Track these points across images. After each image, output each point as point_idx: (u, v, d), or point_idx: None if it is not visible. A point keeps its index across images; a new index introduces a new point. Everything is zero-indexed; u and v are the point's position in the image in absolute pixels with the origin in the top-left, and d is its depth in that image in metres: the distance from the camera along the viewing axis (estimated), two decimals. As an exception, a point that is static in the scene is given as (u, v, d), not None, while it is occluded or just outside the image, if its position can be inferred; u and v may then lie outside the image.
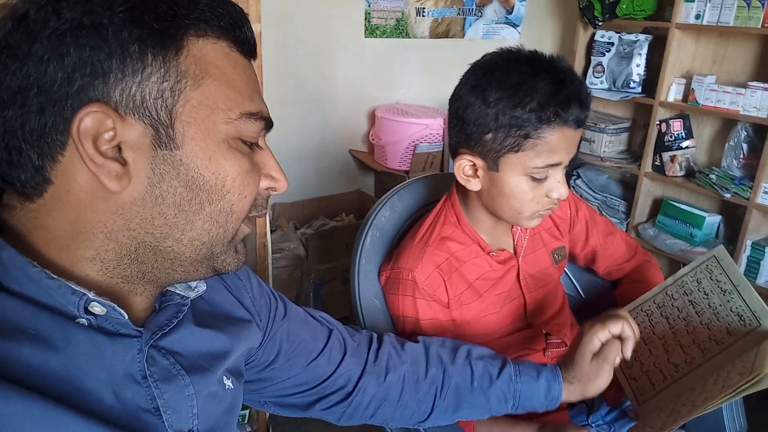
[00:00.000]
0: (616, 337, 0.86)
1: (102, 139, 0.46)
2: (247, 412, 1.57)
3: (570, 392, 0.87)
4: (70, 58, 0.45)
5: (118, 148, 0.47)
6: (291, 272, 2.26)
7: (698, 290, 0.97)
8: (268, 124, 0.56)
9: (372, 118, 2.68)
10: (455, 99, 0.93)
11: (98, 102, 0.46)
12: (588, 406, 1.12)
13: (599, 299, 1.27)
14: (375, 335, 0.90)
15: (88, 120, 0.45)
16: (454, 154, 0.96)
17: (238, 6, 0.53)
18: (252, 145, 0.55)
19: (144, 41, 0.46)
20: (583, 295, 1.30)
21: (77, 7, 0.45)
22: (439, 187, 1.18)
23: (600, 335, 0.85)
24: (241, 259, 0.59)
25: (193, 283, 0.61)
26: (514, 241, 1.06)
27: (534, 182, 0.90)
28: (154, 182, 0.49)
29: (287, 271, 2.25)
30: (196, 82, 0.49)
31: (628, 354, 0.86)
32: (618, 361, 0.85)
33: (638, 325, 1.03)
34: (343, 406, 0.83)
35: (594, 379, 0.85)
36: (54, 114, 0.45)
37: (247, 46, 0.54)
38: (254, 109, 0.53)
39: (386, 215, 1.12)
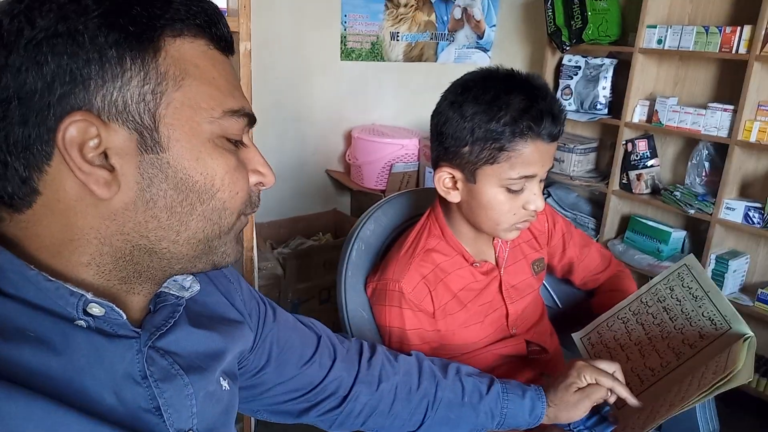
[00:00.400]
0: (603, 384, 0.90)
1: (87, 147, 0.46)
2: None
3: (546, 415, 0.92)
4: (48, 66, 0.44)
5: (105, 155, 0.47)
6: (269, 292, 2.26)
7: (671, 297, 1.01)
8: (251, 121, 0.56)
9: (348, 138, 2.71)
10: (435, 114, 0.97)
11: (80, 110, 0.45)
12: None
13: (576, 309, 1.32)
14: (366, 344, 0.91)
15: (73, 129, 0.45)
16: (435, 166, 1.00)
17: (212, 2, 0.53)
18: (237, 143, 0.55)
19: (121, 45, 0.45)
20: (560, 305, 1.34)
21: (50, 15, 0.44)
22: (420, 202, 1.21)
23: (587, 377, 0.90)
24: (240, 250, 0.59)
25: (187, 284, 0.61)
26: (495, 252, 1.10)
27: (510, 194, 0.94)
28: (143, 187, 0.49)
29: (265, 290, 2.24)
30: (176, 83, 0.48)
31: (629, 398, 0.90)
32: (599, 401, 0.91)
33: (615, 332, 1.07)
34: (336, 413, 0.84)
35: (572, 409, 0.90)
36: (37, 124, 0.45)
37: (224, 42, 0.54)
38: (236, 106, 0.53)
39: (371, 228, 1.14)
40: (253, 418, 1.54)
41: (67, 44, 0.44)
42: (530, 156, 0.91)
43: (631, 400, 0.90)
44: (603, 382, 0.90)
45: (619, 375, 0.92)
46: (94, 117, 0.46)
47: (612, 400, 0.91)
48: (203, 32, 0.51)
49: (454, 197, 0.98)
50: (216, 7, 0.53)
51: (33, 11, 0.44)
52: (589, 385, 0.90)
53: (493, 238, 1.08)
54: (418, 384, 0.89)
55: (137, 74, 0.47)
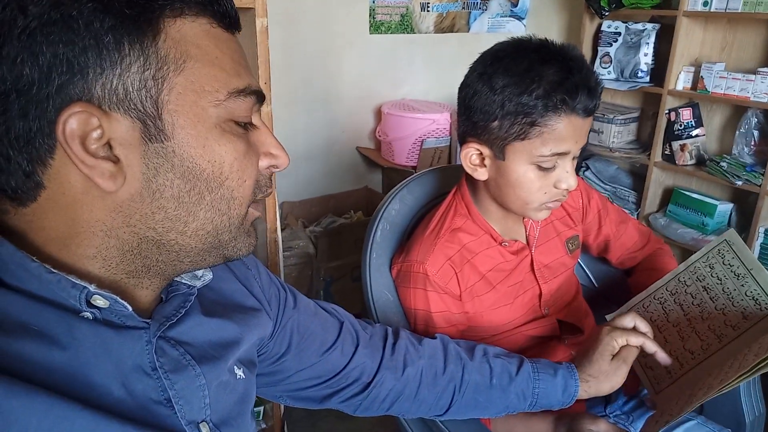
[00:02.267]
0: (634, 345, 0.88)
1: (90, 139, 0.44)
2: (261, 408, 1.57)
3: (585, 390, 0.87)
4: (44, 56, 0.42)
5: (108, 146, 0.46)
6: (301, 270, 2.26)
7: (711, 275, 0.96)
8: (260, 98, 0.53)
9: (378, 114, 2.67)
10: (463, 87, 0.93)
11: (80, 101, 0.44)
12: (605, 397, 1.11)
13: (613, 288, 1.27)
14: (390, 329, 0.89)
15: (73, 121, 0.43)
16: (462, 142, 0.96)
17: None
18: (246, 125, 0.53)
19: (118, 30, 0.43)
20: (596, 285, 1.29)
21: (43, 2, 0.42)
22: (447, 180, 1.17)
23: (619, 340, 0.86)
24: (252, 243, 0.58)
25: (199, 272, 0.60)
26: (526, 231, 1.05)
27: (541, 171, 0.89)
28: (149, 177, 0.47)
29: (297, 269, 2.25)
30: (178, 66, 0.46)
31: (659, 352, 0.88)
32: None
33: (652, 313, 1.02)
34: (360, 398, 0.83)
35: (611, 377, 0.86)
36: (37, 117, 0.43)
37: (228, 19, 0.51)
38: (242, 84, 0.50)
39: (396, 208, 1.11)
40: (281, 416, 1.55)
41: (62, 32, 0.42)
42: (563, 131, 0.86)
43: (661, 355, 0.87)
44: (632, 341, 0.87)
45: (642, 326, 0.89)
46: (95, 107, 0.44)
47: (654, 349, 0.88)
48: (205, 10, 0.49)
49: (481, 174, 0.94)
50: None
51: None
52: (621, 348, 0.87)
53: (524, 217, 1.04)
54: (444, 368, 0.87)
55: (136, 60, 0.45)
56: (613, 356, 0.87)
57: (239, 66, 0.51)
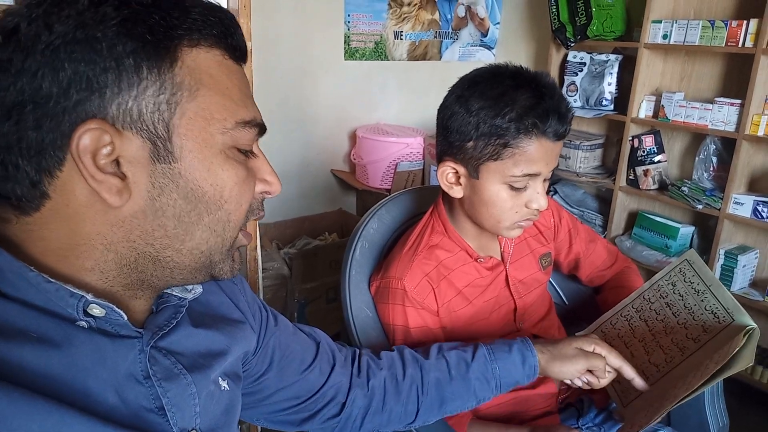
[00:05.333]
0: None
1: (100, 155, 0.46)
2: (239, 428, 1.55)
3: (543, 362, 0.89)
4: (65, 72, 0.44)
5: (117, 163, 0.47)
6: (275, 292, 2.26)
7: (673, 292, 1.01)
8: (262, 131, 0.56)
9: (353, 137, 2.71)
10: (442, 108, 0.97)
11: (95, 118, 0.45)
12: (578, 409, 1.14)
13: (582, 306, 1.31)
14: (356, 350, 0.92)
15: (87, 137, 0.45)
16: (439, 161, 0.99)
17: (229, 12, 0.53)
18: (247, 153, 0.55)
19: (138, 54, 0.46)
20: (566, 302, 1.33)
21: (69, 21, 0.44)
22: (424, 200, 1.21)
23: (598, 347, 0.90)
24: (236, 267, 0.60)
25: (189, 286, 0.61)
26: (501, 247, 1.09)
27: (513, 191, 0.93)
28: (154, 195, 0.49)
29: (272, 290, 2.24)
30: (191, 93, 0.49)
31: (636, 378, 0.92)
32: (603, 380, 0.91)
33: (619, 329, 1.07)
34: (336, 421, 0.84)
35: (566, 361, 0.89)
36: (51, 129, 0.45)
37: (239, 52, 0.54)
38: (248, 116, 0.53)
39: (375, 227, 1.14)
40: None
41: (85, 51, 0.44)
42: (534, 154, 0.90)
43: (638, 382, 0.90)
44: (612, 361, 0.90)
45: (602, 350, 0.91)
46: (108, 125, 0.46)
47: (604, 382, 0.90)
48: (219, 42, 0.51)
49: (456, 192, 0.98)
50: (233, 17, 0.53)
51: (51, 16, 0.44)
52: (593, 352, 0.90)
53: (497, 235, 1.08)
54: (403, 373, 0.88)
55: (153, 84, 0.47)
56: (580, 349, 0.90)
57: (246, 98, 0.54)
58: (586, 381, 0.91)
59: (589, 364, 0.88)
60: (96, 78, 0.45)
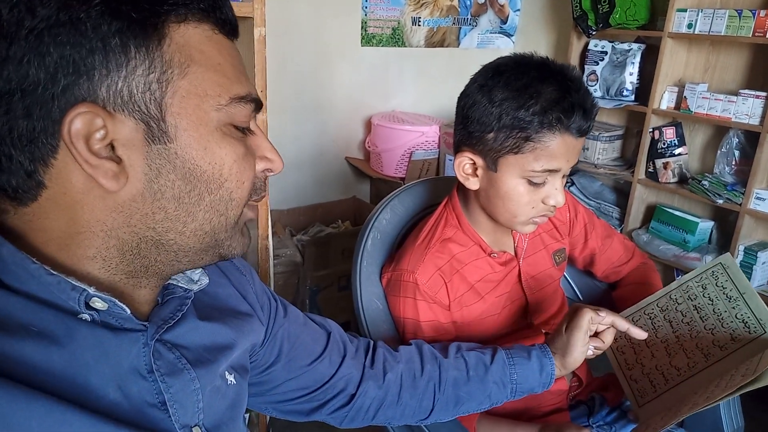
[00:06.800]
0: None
1: (94, 139, 0.45)
2: (247, 416, 1.56)
3: (558, 366, 0.90)
4: (50, 57, 0.43)
5: (111, 147, 0.46)
6: (287, 279, 2.26)
7: (703, 296, 0.98)
8: (258, 106, 0.55)
9: (368, 125, 2.69)
10: (463, 96, 0.95)
11: (85, 101, 0.44)
12: (589, 407, 1.12)
13: (597, 302, 1.28)
14: (371, 342, 0.91)
15: (78, 121, 0.44)
16: (457, 151, 0.97)
17: None
18: (244, 130, 0.54)
19: (124, 33, 0.44)
20: (581, 298, 1.31)
21: (51, 4, 0.42)
22: (438, 191, 1.19)
23: (589, 314, 0.89)
24: (246, 242, 0.58)
25: (196, 276, 0.61)
26: (514, 243, 1.07)
27: (531, 186, 0.91)
28: (151, 178, 0.48)
29: (284, 277, 2.25)
30: (182, 70, 0.47)
31: (631, 328, 0.91)
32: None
33: (641, 327, 1.04)
34: (345, 410, 0.83)
35: (572, 350, 0.89)
36: (42, 117, 0.44)
37: (229, 26, 0.52)
38: (243, 92, 0.52)
39: (387, 218, 1.13)
40: (266, 423, 1.54)
41: (70, 33, 0.43)
42: (556, 149, 0.88)
43: (635, 331, 0.91)
44: (606, 320, 0.90)
45: (621, 324, 0.91)
46: (100, 108, 0.45)
47: (609, 339, 0.91)
48: (208, 16, 0.50)
49: (472, 184, 0.96)
50: None
51: (33, 0, 0.43)
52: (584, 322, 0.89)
53: (511, 229, 1.06)
54: (421, 369, 0.88)
55: (142, 63, 0.45)
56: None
57: (240, 73, 0.53)
58: (594, 348, 0.91)
59: (586, 336, 0.89)
60: (83, 61, 0.43)
